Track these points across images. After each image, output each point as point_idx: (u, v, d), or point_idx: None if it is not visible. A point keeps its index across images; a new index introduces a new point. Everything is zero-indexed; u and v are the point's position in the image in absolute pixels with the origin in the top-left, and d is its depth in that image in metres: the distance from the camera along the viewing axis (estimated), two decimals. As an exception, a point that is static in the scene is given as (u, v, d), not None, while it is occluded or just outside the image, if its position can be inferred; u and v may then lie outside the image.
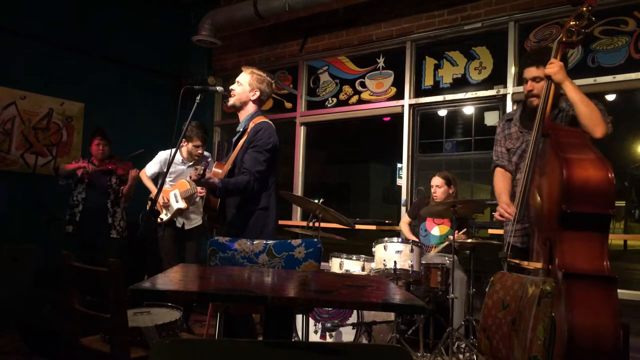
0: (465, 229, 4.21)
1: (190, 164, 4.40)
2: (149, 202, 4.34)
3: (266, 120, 3.17)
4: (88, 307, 2.05)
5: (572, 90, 2.51)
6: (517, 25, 4.71)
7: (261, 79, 3.19)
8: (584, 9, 2.49)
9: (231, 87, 3.19)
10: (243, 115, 3.20)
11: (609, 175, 2.18)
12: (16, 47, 5.26)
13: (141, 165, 4.68)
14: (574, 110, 2.55)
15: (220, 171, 3.11)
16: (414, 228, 4.66)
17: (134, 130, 5.75)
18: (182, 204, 4.37)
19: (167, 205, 4.37)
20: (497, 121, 4.87)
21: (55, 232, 4.76)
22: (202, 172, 2.79)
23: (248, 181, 2.93)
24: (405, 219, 4.79)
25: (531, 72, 2.70)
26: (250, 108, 3.19)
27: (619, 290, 2.14)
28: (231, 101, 3.17)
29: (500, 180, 2.87)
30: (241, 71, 3.23)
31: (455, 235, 3.88)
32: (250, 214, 3.03)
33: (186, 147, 4.40)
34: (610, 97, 4.56)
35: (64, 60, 5.61)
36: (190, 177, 2.89)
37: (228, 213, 3.11)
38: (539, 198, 2.45)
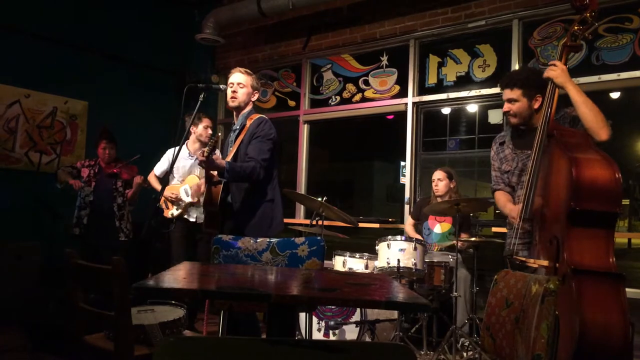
0: (468, 235, 4.20)
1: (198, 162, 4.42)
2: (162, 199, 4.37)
3: (263, 115, 3.27)
4: (92, 305, 2.05)
5: (575, 93, 2.51)
6: (521, 23, 4.69)
7: (257, 79, 3.33)
8: (588, 14, 2.50)
9: (233, 89, 3.24)
10: (240, 114, 3.29)
11: (616, 174, 2.20)
12: (20, 45, 5.27)
13: (146, 166, 4.70)
14: (574, 111, 2.55)
15: None
16: (417, 227, 4.66)
17: (138, 128, 5.76)
18: (193, 198, 4.39)
19: (177, 201, 4.37)
20: (500, 119, 4.87)
21: (60, 230, 4.78)
22: (209, 151, 2.78)
23: (254, 167, 2.98)
24: (409, 220, 4.77)
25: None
26: (248, 107, 3.30)
27: (622, 289, 2.15)
28: (235, 102, 3.25)
29: (502, 196, 2.90)
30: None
31: (460, 236, 3.89)
32: (257, 207, 3.07)
33: (195, 134, 4.43)
34: (615, 95, 4.55)
35: (68, 59, 5.62)
36: (198, 159, 2.90)
37: (234, 207, 3.12)
38: (542, 197, 2.45)
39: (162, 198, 4.45)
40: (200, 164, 2.93)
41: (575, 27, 2.54)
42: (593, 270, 2.14)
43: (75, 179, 4.65)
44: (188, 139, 4.52)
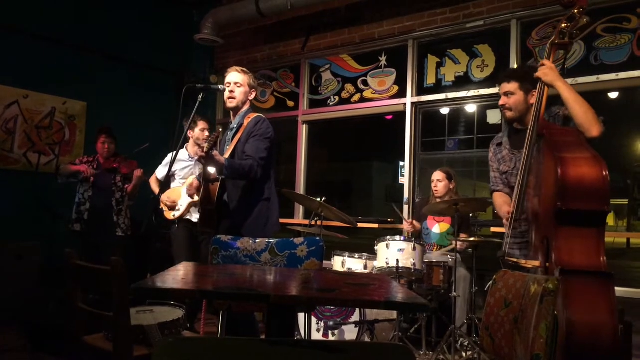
0: (467, 235, 4.20)
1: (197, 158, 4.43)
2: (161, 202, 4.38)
3: (260, 114, 3.27)
4: (91, 306, 2.05)
5: (565, 90, 2.50)
6: (519, 23, 4.69)
7: (253, 78, 3.32)
8: (575, 11, 2.49)
9: (230, 88, 3.23)
10: (237, 113, 3.29)
11: (603, 172, 2.18)
12: (18, 46, 5.27)
13: (146, 163, 4.70)
14: (566, 110, 2.55)
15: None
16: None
17: (137, 129, 5.74)
18: (194, 198, 4.39)
19: (174, 206, 4.38)
20: (499, 119, 4.87)
21: (60, 230, 4.78)
22: (210, 146, 2.76)
23: (252, 165, 2.99)
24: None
25: (503, 87, 2.79)
26: (246, 106, 3.30)
27: (621, 289, 2.14)
28: (234, 103, 3.24)
29: (500, 197, 2.90)
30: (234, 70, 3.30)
31: (459, 237, 3.89)
32: (254, 206, 3.07)
33: (192, 138, 4.45)
34: (613, 95, 4.55)
35: (66, 59, 5.62)
36: (197, 155, 2.89)
37: (230, 206, 3.11)
38: (535, 197, 2.45)
39: (161, 201, 4.46)
40: (200, 159, 2.89)
41: (563, 25, 2.54)
42: (581, 270, 2.13)
43: (73, 176, 4.65)
44: (187, 142, 4.54)
